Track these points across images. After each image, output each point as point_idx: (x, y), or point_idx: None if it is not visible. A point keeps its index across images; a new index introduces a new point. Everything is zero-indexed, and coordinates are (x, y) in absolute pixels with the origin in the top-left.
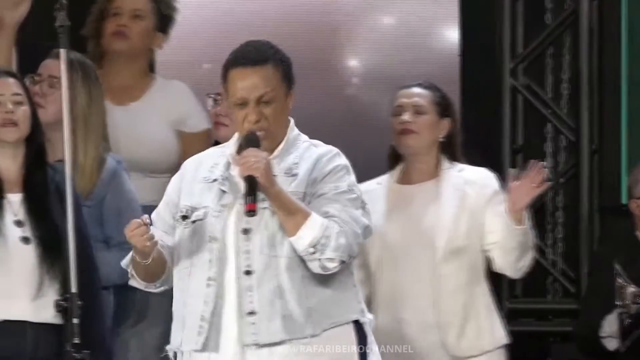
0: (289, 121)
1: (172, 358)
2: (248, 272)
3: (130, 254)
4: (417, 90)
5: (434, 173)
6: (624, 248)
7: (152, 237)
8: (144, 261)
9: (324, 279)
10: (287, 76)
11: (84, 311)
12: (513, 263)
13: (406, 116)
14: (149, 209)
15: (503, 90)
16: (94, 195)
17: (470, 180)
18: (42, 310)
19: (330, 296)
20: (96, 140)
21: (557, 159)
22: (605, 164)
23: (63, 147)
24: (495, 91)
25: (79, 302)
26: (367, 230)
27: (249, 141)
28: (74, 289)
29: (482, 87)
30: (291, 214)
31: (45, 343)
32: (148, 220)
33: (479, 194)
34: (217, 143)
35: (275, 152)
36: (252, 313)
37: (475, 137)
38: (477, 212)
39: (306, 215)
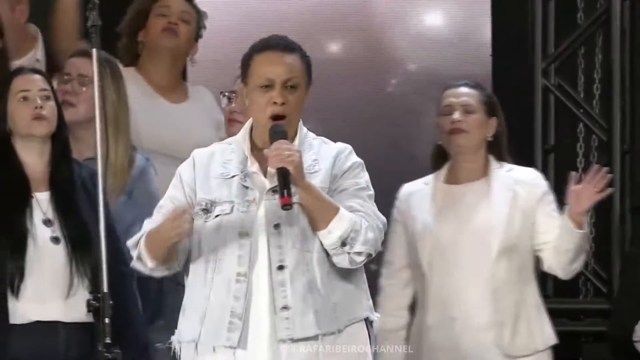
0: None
1: (176, 349)
2: (281, 267)
3: (142, 235)
4: (465, 89)
5: (483, 173)
6: None
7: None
8: (172, 243)
9: (345, 275)
10: (309, 71)
11: (116, 307)
12: (566, 265)
13: (456, 115)
14: None
15: (535, 90)
16: (124, 191)
17: (520, 180)
18: (73, 309)
19: (351, 292)
20: (125, 137)
21: (589, 159)
22: (637, 164)
23: (95, 145)
24: (527, 91)
25: (111, 302)
26: (385, 226)
27: (278, 133)
28: (105, 288)
29: (514, 87)
30: (321, 208)
31: (77, 342)
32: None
33: (530, 193)
34: None
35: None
36: (285, 308)
37: (507, 137)
38: (528, 211)
39: (336, 210)
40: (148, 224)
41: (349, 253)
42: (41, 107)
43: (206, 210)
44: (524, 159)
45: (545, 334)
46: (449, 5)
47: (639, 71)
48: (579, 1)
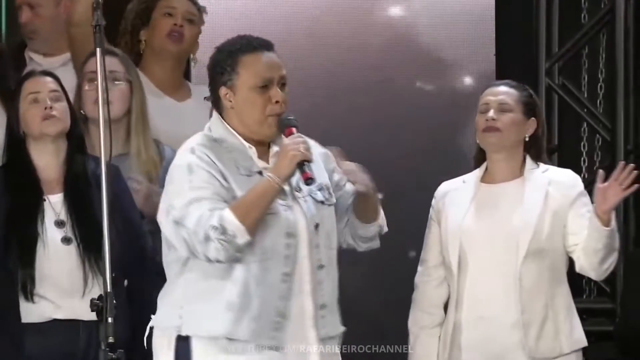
0: None
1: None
2: (321, 267)
3: (220, 216)
4: (504, 88)
5: (518, 173)
6: None
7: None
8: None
9: None
10: None
11: (138, 303)
12: (597, 265)
13: (491, 113)
14: None
15: (539, 89)
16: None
17: (555, 181)
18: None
19: None
20: (149, 132)
21: (593, 159)
22: None
23: (125, 142)
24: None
25: (114, 301)
26: None
27: (289, 121)
28: (109, 287)
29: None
30: (375, 198)
31: (96, 340)
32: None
33: (564, 195)
34: None
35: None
36: (324, 306)
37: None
38: (560, 213)
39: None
40: (196, 211)
41: (380, 235)
42: (51, 108)
43: None
44: None
45: (573, 336)
46: (453, 5)
47: None
48: (583, 1)
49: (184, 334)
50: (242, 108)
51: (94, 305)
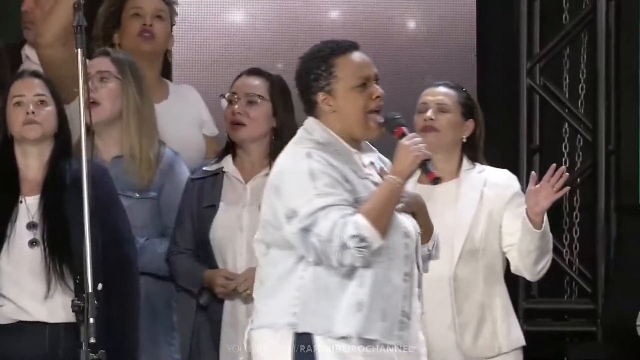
0: None
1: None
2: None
3: (354, 221)
4: (443, 89)
5: (455, 173)
6: None
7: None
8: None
9: None
10: None
11: (116, 309)
12: (531, 266)
13: (429, 113)
14: None
15: (520, 90)
16: (154, 185)
17: (490, 182)
18: (55, 310)
19: None
20: (150, 132)
21: (574, 159)
22: (622, 164)
23: (121, 143)
24: (512, 91)
25: (96, 302)
26: None
27: (397, 119)
28: (90, 288)
29: (499, 87)
30: (429, 219)
31: (63, 343)
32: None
33: (499, 195)
34: (231, 144)
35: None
36: (422, 314)
37: (492, 137)
38: (495, 213)
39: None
40: (334, 213)
41: (431, 260)
42: (33, 112)
43: None
44: (509, 159)
45: (511, 336)
46: (434, 4)
47: (624, 71)
48: (565, 1)
49: (300, 331)
50: (344, 109)
51: (75, 306)
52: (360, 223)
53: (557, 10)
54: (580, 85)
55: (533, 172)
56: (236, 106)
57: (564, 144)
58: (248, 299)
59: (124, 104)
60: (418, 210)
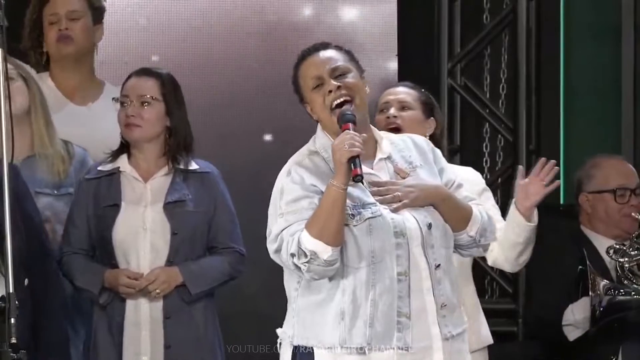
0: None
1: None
2: (438, 266)
3: (295, 237)
4: (403, 88)
5: None
6: (570, 243)
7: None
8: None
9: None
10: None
11: (40, 302)
12: (515, 258)
13: (392, 111)
14: None
15: (441, 90)
16: (70, 181)
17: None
18: None
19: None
20: (54, 129)
21: (495, 159)
22: None
23: (31, 143)
24: (433, 91)
25: (17, 302)
26: None
27: (347, 118)
28: (11, 288)
29: (420, 87)
30: (460, 208)
31: None
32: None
33: (470, 191)
34: (125, 144)
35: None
36: (444, 305)
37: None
38: None
39: (470, 207)
40: (284, 231)
41: (482, 245)
42: None
43: (352, 215)
44: None
45: (481, 334)
46: (356, 4)
47: (545, 71)
48: (485, 2)
49: (295, 343)
50: (317, 113)
51: None
52: (302, 239)
53: (478, 11)
54: (501, 85)
55: (520, 166)
56: (129, 109)
57: (484, 144)
58: (154, 298)
59: (30, 101)
60: (437, 202)
